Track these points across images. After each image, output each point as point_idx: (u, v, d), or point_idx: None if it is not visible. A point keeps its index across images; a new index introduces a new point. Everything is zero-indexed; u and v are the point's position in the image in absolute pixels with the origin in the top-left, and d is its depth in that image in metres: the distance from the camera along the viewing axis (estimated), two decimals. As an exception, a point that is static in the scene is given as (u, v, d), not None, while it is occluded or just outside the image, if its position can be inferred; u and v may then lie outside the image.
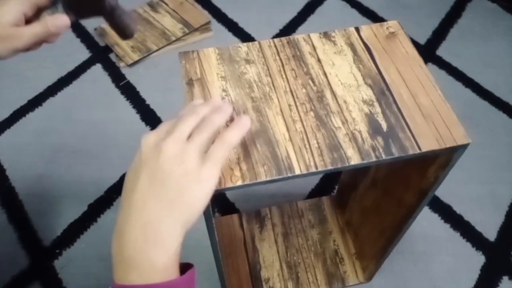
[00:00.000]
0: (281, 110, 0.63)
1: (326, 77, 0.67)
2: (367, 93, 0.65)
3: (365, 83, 0.66)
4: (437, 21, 1.79)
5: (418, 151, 0.59)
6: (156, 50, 1.66)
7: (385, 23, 0.75)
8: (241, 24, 1.76)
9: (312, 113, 0.62)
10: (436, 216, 1.30)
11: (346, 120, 0.62)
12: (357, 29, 0.74)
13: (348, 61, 0.69)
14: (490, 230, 1.28)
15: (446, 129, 0.61)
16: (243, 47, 0.71)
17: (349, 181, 1.16)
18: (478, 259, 1.23)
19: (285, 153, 0.58)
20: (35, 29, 0.65)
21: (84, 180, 1.37)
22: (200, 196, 0.46)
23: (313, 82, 0.66)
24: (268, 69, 0.68)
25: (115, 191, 1.34)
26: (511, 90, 1.58)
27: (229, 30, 1.75)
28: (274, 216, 1.26)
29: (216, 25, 1.76)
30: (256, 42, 0.71)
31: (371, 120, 0.62)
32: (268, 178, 0.56)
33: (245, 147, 0.59)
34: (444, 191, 1.32)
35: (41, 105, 1.53)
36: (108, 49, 1.68)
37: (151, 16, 1.76)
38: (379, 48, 0.71)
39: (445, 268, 1.21)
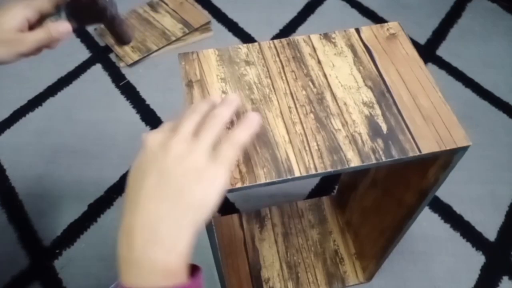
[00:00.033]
0: (281, 112, 0.63)
1: (326, 78, 0.67)
2: (367, 95, 0.65)
3: (365, 85, 0.66)
4: (437, 21, 1.79)
5: (418, 153, 0.59)
6: (156, 50, 1.65)
7: (385, 24, 0.75)
8: (241, 24, 1.76)
9: (312, 115, 0.62)
10: (436, 216, 1.30)
11: (346, 122, 0.62)
12: (358, 30, 0.74)
13: (348, 63, 0.69)
14: (490, 230, 1.28)
15: (446, 131, 0.61)
16: (243, 48, 0.71)
17: (349, 181, 1.16)
18: (478, 259, 1.24)
19: (285, 155, 0.58)
20: (38, 35, 0.67)
21: (84, 180, 1.37)
22: (210, 196, 0.45)
23: (313, 84, 0.66)
24: (268, 71, 0.68)
25: (115, 191, 1.34)
26: (511, 90, 1.58)
27: (229, 30, 1.75)
28: (274, 216, 1.26)
29: (216, 25, 1.76)
30: (256, 44, 0.71)
31: (371, 122, 0.62)
32: (267, 180, 0.56)
33: (245, 149, 0.59)
34: (444, 191, 1.32)
35: (41, 105, 1.53)
36: (108, 49, 1.68)
37: (151, 16, 1.76)
38: (379, 49, 0.71)
39: (445, 268, 1.22)
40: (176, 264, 0.43)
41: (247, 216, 1.26)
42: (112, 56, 1.66)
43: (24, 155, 1.42)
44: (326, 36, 0.73)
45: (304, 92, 0.65)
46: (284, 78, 0.67)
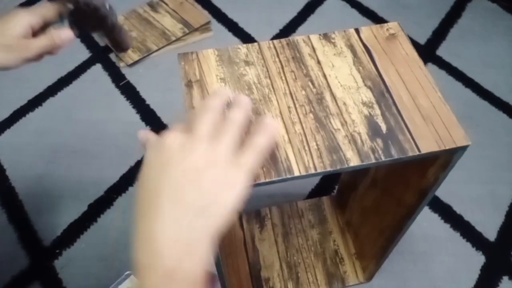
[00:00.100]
0: (280, 112, 0.63)
1: (326, 79, 0.67)
2: (367, 95, 0.65)
3: (365, 85, 0.66)
4: (437, 21, 1.79)
5: (418, 153, 0.59)
6: (156, 50, 1.66)
7: (385, 24, 0.75)
8: (241, 24, 1.76)
9: (311, 115, 0.62)
10: (436, 216, 1.30)
11: (346, 122, 0.62)
12: (357, 31, 0.74)
13: (348, 63, 0.69)
14: (490, 230, 1.28)
15: (445, 131, 0.61)
16: (243, 48, 0.71)
17: (349, 181, 1.16)
18: (478, 259, 1.24)
19: (284, 154, 0.58)
20: (42, 42, 0.71)
21: (84, 180, 1.37)
22: (231, 202, 0.43)
23: (313, 84, 0.66)
24: (268, 71, 0.68)
25: (115, 191, 1.34)
26: (511, 90, 1.58)
27: (229, 30, 1.75)
28: (274, 216, 1.26)
29: (216, 25, 1.76)
30: (255, 44, 0.71)
31: (370, 122, 0.62)
32: (267, 180, 0.56)
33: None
34: (444, 191, 1.32)
35: (41, 105, 1.53)
36: (108, 49, 1.68)
37: (151, 16, 1.76)
38: (379, 49, 0.71)
39: (445, 268, 1.22)
40: (202, 273, 0.41)
41: (247, 216, 1.26)
42: (112, 56, 1.66)
43: (24, 155, 1.42)
44: (326, 36, 0.73)
45: (303, 92, 0.65)
46: (283, 78, 0.67)
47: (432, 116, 0.63)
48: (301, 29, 1.75)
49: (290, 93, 0.65)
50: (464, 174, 1.37)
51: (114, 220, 1.29)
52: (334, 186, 1.35)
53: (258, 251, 1.20)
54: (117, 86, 1.58)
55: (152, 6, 1.79)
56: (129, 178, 1.37)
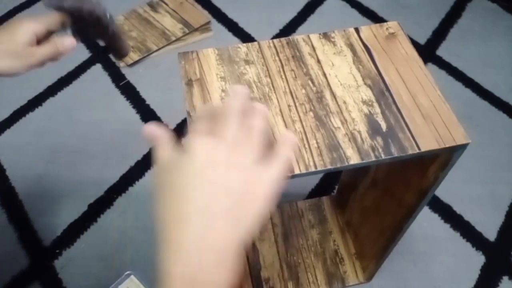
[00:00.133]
0: (280, 110, 0.63)
1: (326, 77, 0.67)
2: (367, 93, 0.65)
3: (365, 83, 0.66)
4: (437, 21, 1.79)
5: (418, 151, 0.59)
6: (156, 50, 1.66)
7: (384, 23, 0.75)
8: (241, 24, 1.76)
9: (311, 114, 0.62)
10: (436, 216, 1.30)
11: (346, 120, 0.62)
12: (357, 30, 0.74)
13: (348, 62, 0.69)
14: (490, 230, 1.28)
15: (445, 129, 0.61)
16: (243, 47, 0.71)
17: (349, 181, 1.16)
18: (478, 259, 1.24)
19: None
20: (47, 49, 0.74)
21: (84, 180, 1.37)
22: (258, 211, 0.42)
23: (313, 82, 0.66)
24: (268, 70, 0.68)
25: (115, 191, 1.34)
26: (511, 90, 1.58)
27: (229, 30, 1.75)
28: (274, 216, 1.26)
29: (216, 25, 1.76)
30: (255, 43, 0.71)
31: (370, 120, 0.62)
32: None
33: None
34: (444, 191, 1.32)
35: (41, 105, 1.53)
36: (108, 49, 1.67)
37: (151, 16, 1.76)
38: (378, 48, 0.71)
39: (445, 268, 1.21)
40: (228, 282, 0.40)
41: (247, 216, 1.26)
42: (112, 56, 1.66)
43: (24, 155, 1.42)
44: (326, 36, 0.73)
45: (303, 91, 0.65)
46: (283, 77, 0.67)
47: (432, 114, 0.63)
48: (301, 29, 1.75)
49: (290, 92, 0.65)
50: (464, 174, 1.37)
51: (114, 220, 1.29)
52: (334, 186, 1.35)
53: (258, 251, 1.20)
54: (117, 86, 1.58)
55: (152, 6, 1.79)
56: (129, 178, 1.37)
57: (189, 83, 0.66)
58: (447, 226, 1.29)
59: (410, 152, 0.59)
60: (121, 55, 0.89)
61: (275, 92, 0.65)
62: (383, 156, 0.58)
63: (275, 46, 0.71)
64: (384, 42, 0.72)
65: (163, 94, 1.55)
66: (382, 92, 0.65)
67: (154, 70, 1.63)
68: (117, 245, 1.25)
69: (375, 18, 1.79)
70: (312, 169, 0.57)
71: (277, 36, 1.72)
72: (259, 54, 0.70)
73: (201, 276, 0.39)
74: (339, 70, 0.68)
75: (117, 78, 1.60)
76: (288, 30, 1.75)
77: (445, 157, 0.67)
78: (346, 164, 0.57)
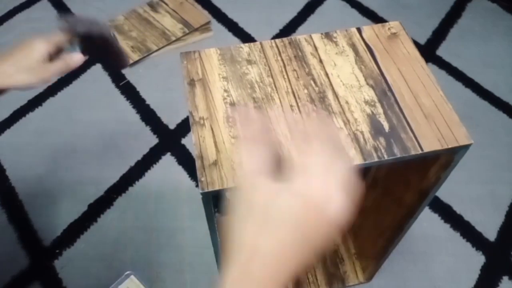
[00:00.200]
0: (283, 110, 0.63)
1: (328, 77, 0.67)
2: (369, 93, 0.65)
3: (367, 83, 0.66)
4: (437, 21, 1.79)
5: (420, 152, 0.59)
6: (156, 50, 1.65)
7: (386, 23, 0.75)
8: (241, 24, 1.76)
9: (314, 114, 0.62)
10: (436, 216, 1.30)
11: (348, 121, 0.62)
12: (359, 30, 0.74)
13: (350, 62, 0.69)
14: (490, 230, 1.28)
15: (448, 130, 0.61)
16: (245, 47, 0.71)
17: (350, 181, 1.16)
18: (478, 259, 1.24)
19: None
20: (59, 65, 0.82)
21: (84, 180, 1.37)
22: (329, 234, 0.41)
23: (315, 82, 0.66)
24: (270, 70, 0.68)
25: (115, 191, 1.34)
26: (511, 90, 1.58)
27: (229, 30, 1.75)
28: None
29: (216, 25, 1.76)
30: (257, 43, 0.71)
31: (373, 120, 0.62)
32: (270, 179, 0.56)
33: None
34: (444, 191, 1.32)
35: (41, 105, 1.53)
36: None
37: (151, 16, 1.76)
38: (380, 48, 0.71)
39: (445, 268, 1.21)
40: None
41: (248, 216, 1.26)
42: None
43: (24, 155, 1.42)
44: (328, 36, 0.73)
45: (306, 91, 0.65)
46: (286, 77, 0.67)
47: (434, 114, 0.63)
48: (301, 29, 1.75)
49: (293, 92, 0.65)
50: (464, 174, 1.37)
51: (114, 220, 1.29)
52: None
53: (259, 251, 1.20)
54: (117, 86, 1.58)
55: (152, 6, 1.79)
56: (129, 178, 1.37)
57: (191, 83, 0.66)
58: (447, 226, 1.29)
59: (412, 152, 0.59)
60: (121, 67, 0.96)
61: (277, 92, 0.65)
62: (385, 157, 0.58)
63: (277, 46, 0.71)
64: (386, 42, 0.72)
65: (163, 94, 1.55)
66: (384, 92, 0.65)
67: (154, 70, 1.62)
68: (117, 245, 1.25)
69: (375, 18, 1.79)
70: (315, 169, 0.57)
71: (277, 36, 1.72)
72: (261, 54, 0.70)
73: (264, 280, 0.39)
74: (342, 70, 0.68)
75: (117, 78, 1.60)
76: (288, 30, 1.75)
77: (447, 158, 0.67)
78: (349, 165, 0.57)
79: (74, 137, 1.46)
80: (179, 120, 1.49)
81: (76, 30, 0.85)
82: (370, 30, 0.74)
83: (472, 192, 1.35)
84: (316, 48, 0.71)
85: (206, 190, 0.55)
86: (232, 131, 0.60)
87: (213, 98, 0.64)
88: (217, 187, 0.55)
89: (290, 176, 0.40)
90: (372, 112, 0.63)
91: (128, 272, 1.18)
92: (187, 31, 1.70)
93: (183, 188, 1.35)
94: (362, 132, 0.60)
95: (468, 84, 1.60)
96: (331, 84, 0.66)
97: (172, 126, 1.48)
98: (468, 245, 1.26)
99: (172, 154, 1.42)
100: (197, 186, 1.34)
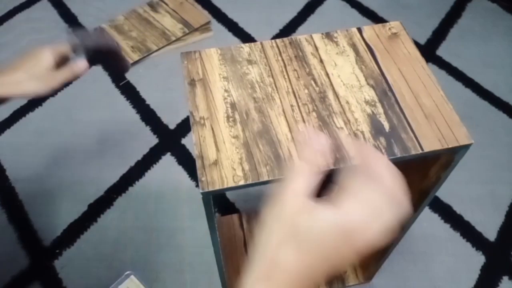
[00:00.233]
0: (283, 110, 0.63)
1: (329, 77, 0.67)
2: (370, 93, 0.65)
3: (368, 83, 0.66)
4: (437, 21, 1.79)
5: (421, 152, 0.59)
6: (156, 50, 1.65)
7: (387, 23, 0.75)
8: (241, 24, 1.76)
9: (314, 114, 0.62)
10: (436, 216, 1.31)
11: (349, 121, 0.62)
12: (359, 30, 0.74)
13: (351, 62, 0.69)
14: (490, 230, 1.28)
15: (448, 130, 0.61)
16: (245, 47, 0.71)
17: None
18: (478, 259, 1.24)
19: (288, 153, 0.58)
20: (66, 73, 0.86)
21: (84, 180, 1.37)
22: (352, 258, 0.43)
23: (316, 82, 0.66)
24: (271, 70, 0.68)
25: (115, 191, 1.34)
26: (511, 90, 1.58)
27: (229, 30, 1.75)
28: (274, 216, 1.26)
29: (216, 25, 1.76)
30: (258, 43, 0.71)
31: (373, 120, 0.62)
32: (270, 178, 0.56)
33: (248, 147, 0.59)
34: (444, 191, 1.32)
35: (41, 105, 1.53)
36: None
37: (151, 16, 1.76)
38: (381, 48, 0.71)
39: (445, 268, 1.22)
40: None
41: (247, 216, 1.26)
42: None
43: (24, 155, 1.42)
44: (328, 36, 0.73)
45: (306, 91, 0.65)
46: (286, 77, 0.67)
47: (434, 114, 0.63)
48: (301, 29, 1.75)
49: (293, 92, 0.65)
50: (465, 174, 1.37)
51: (114, 220, 1.29)
52: (334, 186, 1.35)
53: (259, 251, 1.20)
54: (117, 86, 1.58)
55: (152, 6, 1.79)
56: (129, 178, 1.37)
57: (192, 83, 0.66)
58: (447, 226, 1.29)
59: (413, 152, 0.59)
60: (123, 72, 1.07)
61: (278, 92, 0.65)
62: (386, 157, 0.58)
63: (277, 46, 0.71)
64: (386, 42, 0.72)
65: (163, 94, 1.55)
66: (385, 92, 0.65)
67: (154, 70, 1.62)
68: (117, 245, 1.25)
69: (375, 18, 1.79)
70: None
71: (277, 36, 1.72)
72: (261, 54, 0.70)
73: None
74: (342, 70, 0.68)
75: (117, 78, 1.60)
76: (288, 30, 1.75)
77: (447, 158, 0.67)
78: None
79: (74, 137, 1.46)
80: (179, 120, 1.49)
81: (85, 44, 0.90)
82: (370, 30, 0.74)
83: (472, 192, 1.35)
84: (316, 48, 0.71)
85: (206, 190, 0.55)
86: (232, 131, 0.60)
87: (214, 98, 0.64)
88: (217, 187, 0.55)
89: (337, 200, 0.40)
90: (373, 112, 0.63)
91: (128, 272, 1.18)
92: (187, 31, 1.70)
93: (183, 188, 1.35)
94: (362, 132, 0.60)
95: (468, 84, 1.60)
96: (331, 84, 0.66)
97: (172, 126, 1.48)
98: (468, 245, 1.26)
99: (172, 154, 1.42)
100: (197, 186, 1.34)
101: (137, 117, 1.50)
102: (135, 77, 1.60)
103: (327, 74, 0.67)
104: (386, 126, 0.61)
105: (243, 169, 0.56)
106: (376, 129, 0.61)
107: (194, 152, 0.59)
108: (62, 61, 0.87)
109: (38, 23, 1.77)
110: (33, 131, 1.47)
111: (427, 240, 1.26)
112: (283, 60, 0.69)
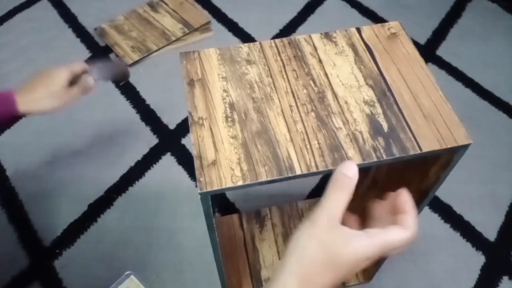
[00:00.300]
0: (282, 110, 0.63)
1: (327, 77, 0.67)
2: (368, 93, 0.65)
3: (366, 83, 0.66)
4: (437, 21, 1.79)
5: (419, 152, 0.59)
6: (156, 50, 1.65)
7: (386, 23, 0.75)
8: (241, 24, 1.76)
9: (313, 114, 0.62)
10: (436, 216, 1.31)
11: (347, 121, 0.62)
12: (358, 30, 0.74)
13: (349, 62, 0.69)
14: (490, 230, 1.28)
15: (447, 130, 0.61)
16: (244, 47, 0.71)
17: (349, 181, 1.16)
18: (478, 259, 1.24)
19: (286, 153, 0.58)
20: (79, 89, 0.97)
21: (84, 180, 1.37)
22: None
23: (314, 82, 0.66)
24: (269, 70, 0.68)
25: (115, 191, 1.34)
26: (511, 90, 1.58)
27: (229, 30, 1.75)
28: (274, 216, 1.26)
29: (216, 25, 1.76)
30: (257, 43, 0.71)
31: (372, 120, 0.62)
32: (269, 178, 0.56)
33: (246, 147, 0.59)
34: (444, 191, 1.32)
35: (41, 105, 1.53)
36: (108, 49, 1.68)
37: (151, 16, 1.76)
38: (380, 48, 0.71)
39: (445, 268, 1.22)
40: None
41: (247, 216, 1.26)
42: (112, 56, 1.66)
43: (24, 155, 1.42)
44: (327, 36, 0.73)
45: (305, 91, 0.65)
46: (285, 77, 0.67)
47: (433, 115, 0.63)
48: (301, 29, 1.75)
49: (292, 92, 0.65)
50: (464, 174, 1.37)
51: (114, 220, 1.29)
52: (334, 186, 1.35)
53: (258, 251, 1.20)
54: (117, 86, 1.58)
55: (152, 6, 1.79)
56: (129, 178, 1.37)
57: (191, 83, 0.66)
58: (447, 226, 1.29)
59: (411, 152, 0.59)
60: (125, 80, 1.17)
61: (276, 92, 0.65)
62: (384, 157, 0.58)
63: (276, 46, 0.71)
64: (385, 42, 0.72)
65: (163, 94, 1.55)
66: (383, 92, 0.65)
67: (154, 70, 1.63)
68: (117, 245, 1.25)
69: (375, 18, 1.79)
70: (314, 169, 0.57)
71: (277, 36, 1.72)
72: (260, 54, 0.70)
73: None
74: (341, 70, 0.68)
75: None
76: (288, 30, 1.75)
77: (447, 158, 0.67)
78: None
79: (74, 137, 1.46)
80: (179, 120, 1.49)
81: (104, 77, 1.05)
82: (369, 30, 0.74)
83: (472, 192, 1.35)
84: (315, 48, 0.71)
85: (204, 190, 0.55)
86: (231, 131, 0.60)
87: (212, 98, 0.64)
88: (215, 187, 0.55)
89: (369, 231, 0.49)
90: (371, 112, 0.63)
91: (128, 272, 1.18)
92: (187, 31, 1.70)
93: (183, 188, 1.35)
94: (361, 132, 0.60)
95: (468, 84, 1.60)
96: (330, 84, 0.66)
97: (172, 126, 1.48)
98: (468, 245, 1.26)
99: (172, 154, 1.42)
100: (197, 186, 1.34)
101: (137, 117, 1.50)
102: (135, 77, 1.60)
103: (326, 74, 0.67)
104: (385, 126, 0.61)
105: (241, 169, 0.56)
106: (375, 129, 0.61)
107: (193, 152, 0.59)
108: (74, 80, 0.97)
109: (38, 23, 1.77)
110: (33, 131, 1.47)
111: (427, 240, 1.26)
112: (282, 60, 0.69)
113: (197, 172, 0.56)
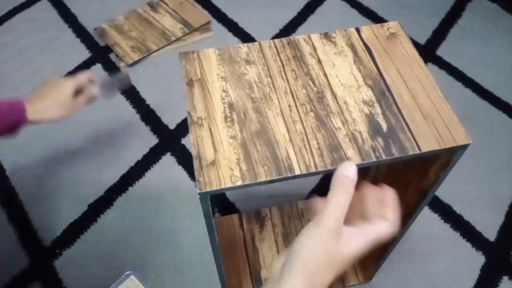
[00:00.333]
0: (281, 110, 0.63)
1: (327, 77, 0.67)
2: (368, 93, 0.65)
3: (366, 84, 0.66)
4: (437, 21, 1.79)
5: (418, 152, 0.59)
6: (156, 50, 1.66)
7: (385, 23, 0.75)
8: (241, 24, 1.76)
9: (312, 114, 0.62)
10: (436, 216, 1.30)
11: (346, 121, 0.62)
12: (358, 30, 0.74)
13: (349, 62, 0.69)
14: (490, 230, 1.28)
15: (446, 130, 0.61)
16: (243, 47, 0.71)
17: (349, 181, 1.16)
18: (478, 259, 1.24)
19: (285, 153, 0.58)
20: (84, 99, 1.04)
21: (84, 180, 1.37)
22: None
23: (314, 83, 0.66)
24: (269, 70, 0.68)
25: (115, 191, 1.34)
26: (511, 90, 1.58)
27: (229, 30, 1.75)
28: (274, 216, 1.26)
29: (216, 25, 1.76)
30: (256, 43, 0.71)
31: (371, 120, 0.62)
32: (268, 178, 0.56)
33: (245, 147, 0.59)
34: (444, 191, 1.32)
35: (41, 105, 1.53)
36: (108, 49, 1.68)
37: (151, 16, 1.76)
38: (379, 48, 0.71)
39: (445, 268, 1.21)
40: None
41: (247, 216, 1.26)
42: (112, 56, 1.66)
43: (24, 155, 1.42)
44: (327, 36, 0.73)
45: (304, 91, 0.65)
46: (284, 77, 0.67)
47: (432, 115, 0.63)
48: (301, 29, 1.75)
49: (291, 92, 0.65)
50: (464, 174, 1.37)
51: (114, 220, 1.29)
52: (334, 186, 1.35)
53: (258, 251, 1.20)
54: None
55: (152, 6, 1.79)
56: (129, 178, 1.37)
57: (190, 83, 0.66)
58: (447, 226, 1.29)
59: (410, 152, 0.59)
60: (126, 88, 1.26)
61: (275, 92, 0.65)
62: (383, 157, 0.58)
63: (276, 46, 0.71)
64: (385, 42, 0.72)
65: (163, 94, 1.55)
66: (383, 92, 0.65)
67: (154, 70, 1.63)
68: (117, 245, 1.25)
69: (375, 18, 1.79)
70: (313, 169, 0.57)
71: (277, 36, 1.72)
72: (260, 54, 0.70)
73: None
74: (340, 70, 0.68)
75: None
76: (288, 30, 1.75)
77: (446, 158, 0.67)
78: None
79: (74, 137, 1.46)
80: (179, 120, 1.49)
81: (111, 92, 1.12)
82: (369, 30, 0.74)
83: (472, 192, 1.35)
84: (315, 48, 0.71)
85: (203, 191, 0.55)
86: (230, 131, 0.60)
87: (212, 98, 0.64)
88: (214, 187, 0.55)
89: (362, 226, 0.53)
90: (371, 112, 0.63)
91: (128, 272, 1.18)
92: (187, 31, 1.70)
93: (183, 188, 1.35)
94: (360, 132, 0.60)
95: (468, 84, 1.60)
96: (329, 84, 0.66)
97: (172, 126, 1.48)
98: (468, 245, 1.26)
99: (172, 154, 1.42)
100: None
101: (137, 117, 1.50)
102: (135, 77, 1.60)
103: (325, 74, 0.67)
104: (384, 126, 0.61)
105: (240, 170, 0.56)
106: (374, 129, 0.61)
107: (192, 152, 0.59)
108: (79, 90, 1.03)
109: (38, 23, 1.77)
110: (33, 131, 1.45)
111: (427, 240, 1.26)
112: (281, 60, 0.69)
113: (196, 172, 0.56)
